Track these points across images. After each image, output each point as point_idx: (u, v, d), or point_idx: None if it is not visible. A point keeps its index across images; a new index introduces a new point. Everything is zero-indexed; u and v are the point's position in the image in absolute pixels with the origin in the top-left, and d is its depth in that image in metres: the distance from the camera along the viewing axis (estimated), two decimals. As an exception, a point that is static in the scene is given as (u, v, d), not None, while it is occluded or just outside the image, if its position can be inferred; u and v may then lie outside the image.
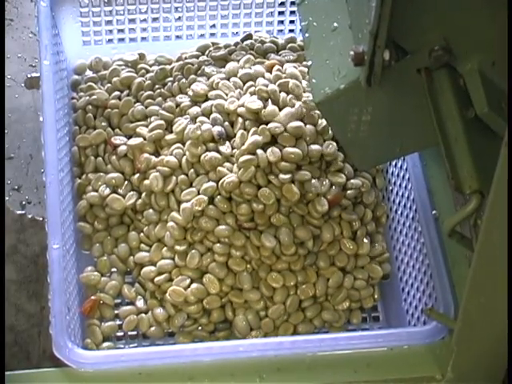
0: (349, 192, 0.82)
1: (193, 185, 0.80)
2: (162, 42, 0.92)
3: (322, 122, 0.81)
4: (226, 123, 0.81)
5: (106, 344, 0.77)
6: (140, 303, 0.79)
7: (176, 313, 0.78)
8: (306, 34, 0.72)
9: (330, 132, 0.81)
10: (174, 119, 0.83)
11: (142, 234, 0.81)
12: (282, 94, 0.81)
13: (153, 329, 0.78)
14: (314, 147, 0.80)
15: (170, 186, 0.80)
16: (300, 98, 0.81)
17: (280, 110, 0.80)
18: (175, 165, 0.80)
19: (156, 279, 0.78)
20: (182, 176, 0.80)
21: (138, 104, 0.86)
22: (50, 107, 0.79)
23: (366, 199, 0.83)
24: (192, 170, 0.80)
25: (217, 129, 0.80)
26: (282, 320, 0.79)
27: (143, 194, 0.81)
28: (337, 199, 0.81)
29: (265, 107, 0.80)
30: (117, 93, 0.87)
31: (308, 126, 0.80)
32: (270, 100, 0.80)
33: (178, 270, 0.79)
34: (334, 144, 0.81)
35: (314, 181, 0.79)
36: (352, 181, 0.82)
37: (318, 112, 0.80)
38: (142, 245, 0.81)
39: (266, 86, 0.81)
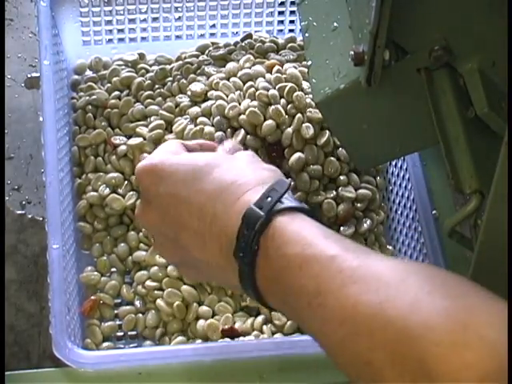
0: (359, 205, 0.82)
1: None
2: (162, 42, 0.92)
3: (322, 138, 0.81)
4: (228, 130, 0.81)
5: (105, 344, 0.77)
6: (138, 303, 0.79)
7: (167, 322, 0.78)
8: (306, 34, 0.72)
9: (331, 143, 0.81)
10: (173, 119, 0.84)
11: (140, 234, 0.81)
12: (282, 101, 0.80)
13: (147, 330, 0.78)
14: (316, 167, 0.80)
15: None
16: (300, 107, 0.80)
17: (277, 125, 0.80)
18: (175, 165, 0.80)
19: (146, 284, 0.79)
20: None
21: (137, 104, 0.86)
22: (50, 107, 0.79)
23: (373, 205, 0.84)
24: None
25: (219, 134, 0.80)
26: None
27: (143, 195, 0.81)
28: (348, 215, 0.81)
29: (265, 118, 0.80)
30: (117, 93, 0.87)
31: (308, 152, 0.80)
32: (270, 108, 0.80)
33: (169, 279, 0.78)
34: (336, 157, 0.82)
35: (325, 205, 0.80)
36: (360, 191, 0.82)
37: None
38: (142, 245, 0.81)
39: (267, 89, 0.81)
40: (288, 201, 0.58)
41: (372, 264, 0.51)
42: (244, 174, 0.61)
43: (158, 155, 0.64)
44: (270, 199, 0.57)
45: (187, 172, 0.62)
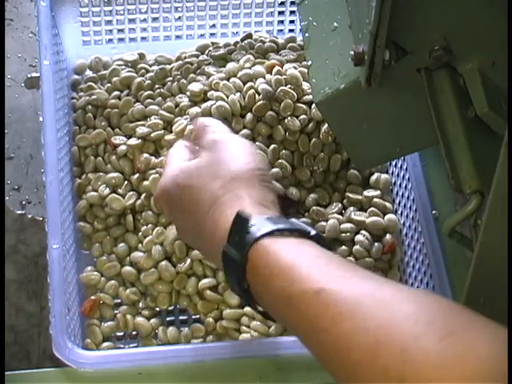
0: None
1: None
2: (162, 42, 0.92)
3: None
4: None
5: (105, 344, 0.77)
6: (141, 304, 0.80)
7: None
8: (306, 34, 0.72)
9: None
10: (173, 119, 0.83)
11: (140, 234, 0.81)
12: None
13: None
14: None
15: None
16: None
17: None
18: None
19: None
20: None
21: (137, 104, 0.86)
22: (50, 107, 0.79)
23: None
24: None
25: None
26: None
27: (142, 196, 0.81)
28: (393, 246, 0.81)
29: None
30: (117, 93, 0.87)
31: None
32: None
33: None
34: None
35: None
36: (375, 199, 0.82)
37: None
38: (140, 245, 0.81)
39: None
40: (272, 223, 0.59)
41: (360, 294, 0.51)
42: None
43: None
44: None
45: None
